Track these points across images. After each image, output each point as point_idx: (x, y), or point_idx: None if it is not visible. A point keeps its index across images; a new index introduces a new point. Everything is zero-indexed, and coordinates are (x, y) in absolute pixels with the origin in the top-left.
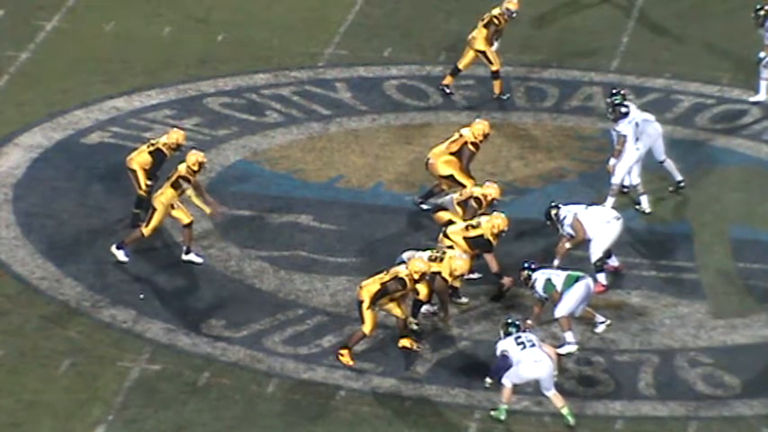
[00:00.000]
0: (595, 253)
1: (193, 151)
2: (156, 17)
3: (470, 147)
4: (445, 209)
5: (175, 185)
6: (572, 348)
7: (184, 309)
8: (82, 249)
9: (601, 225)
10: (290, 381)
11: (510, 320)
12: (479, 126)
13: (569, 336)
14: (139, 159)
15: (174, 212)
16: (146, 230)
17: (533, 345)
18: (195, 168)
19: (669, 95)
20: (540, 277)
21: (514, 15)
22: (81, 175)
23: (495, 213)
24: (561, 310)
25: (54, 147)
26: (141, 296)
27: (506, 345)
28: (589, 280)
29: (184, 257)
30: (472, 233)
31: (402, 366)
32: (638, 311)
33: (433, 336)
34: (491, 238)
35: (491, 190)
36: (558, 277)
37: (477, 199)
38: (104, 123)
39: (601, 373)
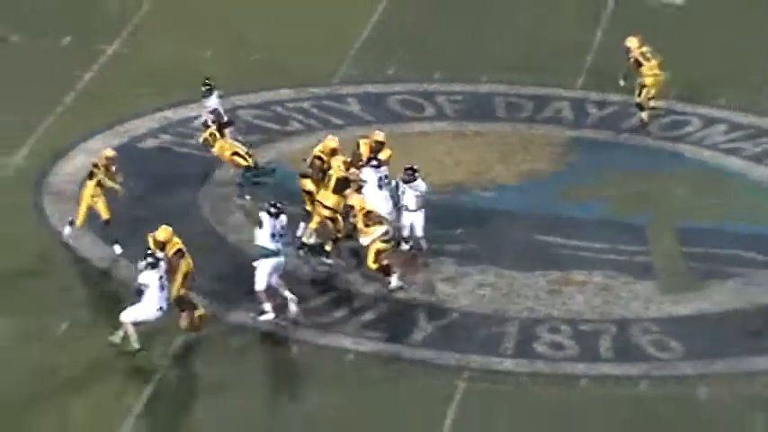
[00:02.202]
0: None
1: (107, 150)
2: (200, 42)
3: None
4: (307, 175)
5: (90, 176)
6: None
7: (223, 288)
8: (134, 236)
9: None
10: (308, 345)
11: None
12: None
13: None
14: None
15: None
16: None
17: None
18: (105, 162)
19: (626, 109)
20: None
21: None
22: (135, 175)
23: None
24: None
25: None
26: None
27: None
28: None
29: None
30: (332, 183)
31: (403, 334)
32: (600, 288)
33: (428, 308)
34: (339, 175)
35: (329, 142)
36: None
37: (318, 157)
38: (156, 131)
39: (568, 339)
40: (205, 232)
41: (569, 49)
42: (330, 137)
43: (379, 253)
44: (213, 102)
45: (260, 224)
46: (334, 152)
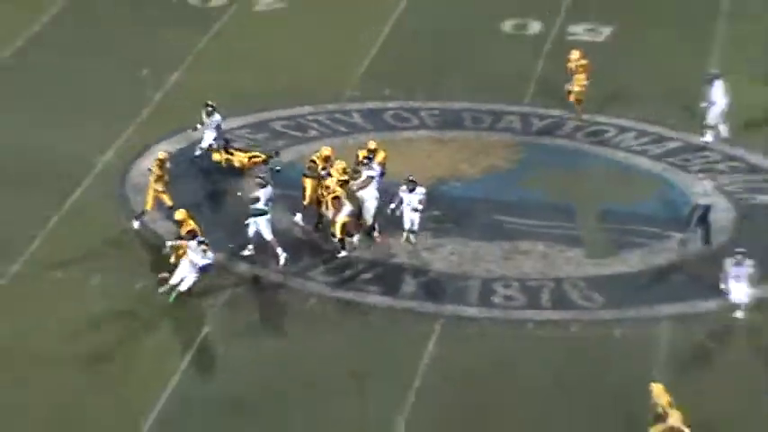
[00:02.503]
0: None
1: (161, 152)
2: (238, 67)
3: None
4: (307, 175)
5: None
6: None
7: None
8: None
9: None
10: (322, 297)
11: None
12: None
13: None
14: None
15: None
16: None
17: None
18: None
19: (561, 121)
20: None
21: None
22: (193, 171)
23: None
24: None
25: (177, 152)
26: (230, 245)
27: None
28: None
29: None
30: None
31: (394, 289)
32: (542, 254)
33: (413, 270)
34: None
35: (324, 150)
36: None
37: (312, 161)
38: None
39: (518, 293)
40: (228, 212)
41: (519, 75)
42: (325, 147)
43: (344, 225)
44: (216, 119)
45: (256, 198)
46: (327, 159)
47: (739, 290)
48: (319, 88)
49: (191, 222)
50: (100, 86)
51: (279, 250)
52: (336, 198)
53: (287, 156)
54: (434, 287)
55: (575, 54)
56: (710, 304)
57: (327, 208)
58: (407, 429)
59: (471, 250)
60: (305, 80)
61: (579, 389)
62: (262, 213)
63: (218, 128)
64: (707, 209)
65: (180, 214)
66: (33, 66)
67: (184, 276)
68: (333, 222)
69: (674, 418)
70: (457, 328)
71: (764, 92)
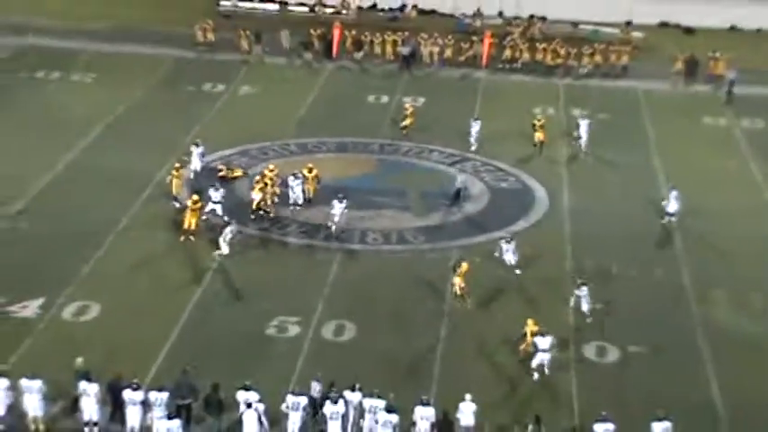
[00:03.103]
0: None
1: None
2: (231, 123)
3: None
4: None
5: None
6: None
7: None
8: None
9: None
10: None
11: None
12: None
13: None
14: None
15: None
16: None
17: None
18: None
19: (398, 147)
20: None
21: None
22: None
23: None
24: None
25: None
26: (227, 220)
27: None
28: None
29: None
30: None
31: (314, 236)
32: (391, 218)
33: (325, 227)
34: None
35: (268, 171)
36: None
37: (262, 174)
38: (216, 160)
39: (380, 236)
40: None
41: (377, 123)
42: (270, 165)
43: (258, 203)
44: (201, 150)
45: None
46: (272, 170)
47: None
48: (272, 132)
49: (196, 204)
50: (175, 105)
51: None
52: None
53: (257, 168)
54: (336, 235)
55: (408, 108)
56: (480, 238)
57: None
58: (322, 313)
59: (356, 214)
60: (264, 128)
61: (410, 282)
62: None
63: (202, 155)
64: (459, 190)
65: (189, 202)
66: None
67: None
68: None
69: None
70: (348, 257)
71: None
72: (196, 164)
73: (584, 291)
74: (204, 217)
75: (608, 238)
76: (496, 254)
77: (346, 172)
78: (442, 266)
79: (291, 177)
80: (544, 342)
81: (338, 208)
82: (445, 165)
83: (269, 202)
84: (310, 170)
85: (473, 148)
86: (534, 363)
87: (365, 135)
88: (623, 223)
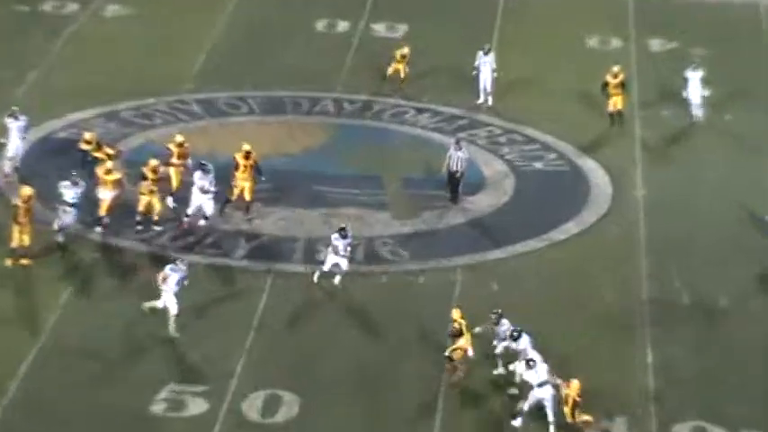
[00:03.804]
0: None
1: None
2: (89, 67)
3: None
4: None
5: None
6: None
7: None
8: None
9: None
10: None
11: None
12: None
13: None
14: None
15: None
16: None
17: None
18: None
19: (368, 104)
20: None
21: None
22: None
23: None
24: None
25: (38, 138)
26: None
27: None
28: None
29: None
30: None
31: (230, 251)
32: (355, 217)
33: (245, 234)
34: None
35: (177, 138)
36: None
37: (168, 148)
38: (67, 127)
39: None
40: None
41: (332, 66)
42: (178, 134)
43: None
44: (21, 124)
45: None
46: (181, 145)
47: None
48: (158, 81)
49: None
50: None
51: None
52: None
53: (135, 141)
54: (265, 249)
55: (404, 48)
56: (498, 253)
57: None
58: (242, 378)
59: (296, 216)
60: (145, 75)
61: (389, 326)
62: (73, 206)
63: (23, 131)
64: (455, 174)
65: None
66: None
67: None
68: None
69: (465, 340)
70: (285, 282)
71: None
72: (16, 146)
73: (505, 329)
74: (57, 227)
75: (709, 250)
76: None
77: (281, 147)
78: (435, 297)
79: (199, 174)
80: (534, 374)
81: (341, 246)
82: (442, 133)
83: (159, 203)
84: (247, 154)
85: (480, 101)
86: (525, 405)
87: (312, 86)
88: (730, 230)
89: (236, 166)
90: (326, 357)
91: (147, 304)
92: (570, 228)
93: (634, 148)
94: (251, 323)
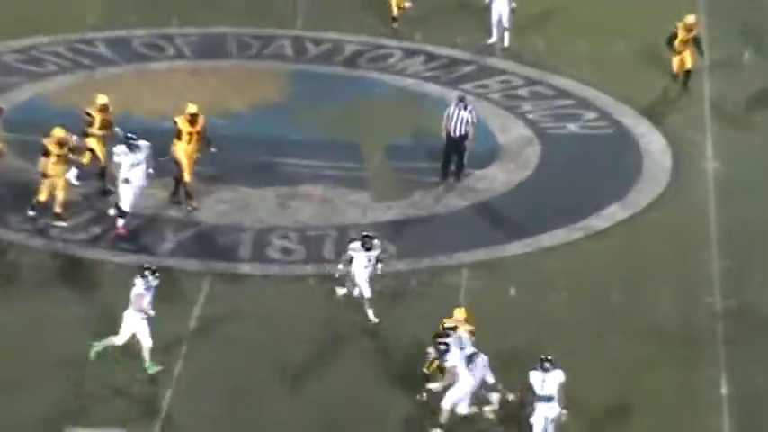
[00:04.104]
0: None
1: None
2: None
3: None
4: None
5: None
6: None
7: None
8: None
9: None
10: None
11: None
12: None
13: None
14: None
15: None
16: None
17: None
18: None
19: (339, 45)
20: None
21: None
22: None
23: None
24: None
25: None
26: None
27: None
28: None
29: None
30: None
31: (153, 246)
32: (322, 199)
33: (174, 223)
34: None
35: (100, 99)
36: None
37: (88, 113)
38: None
39: (296, 244)
40: None
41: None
42: (101, 95)
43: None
44: None
45: None
46: (103, 109)
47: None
48: (56, 16)
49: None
50: None
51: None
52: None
53: (21, 95)
54: (200, 242)
55: None
56: (516, 248)
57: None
58: (172, 403)
59: (241, 198)
60: (38, 7)
61: (368, 350)
62: None
63: None
64: (458, 139)
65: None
66: None
67: None
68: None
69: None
70: (227, 288)
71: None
72: None
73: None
74: None
75: None
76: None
77: (221, 103)
78: (432, 308)
79: (122, 148)
80: (540, 380)
81: (361, 260)
82: (440, 84)
83: (64, 190)
84: (192, 119)
85: (493, 40)
86: (535, 422)
87: (263, 21)
88: None
89: (178, 135)
90: (278, 394)
91: (99, 345)
92: (614, 213)
93: (703, 107)
94: (179, 345)
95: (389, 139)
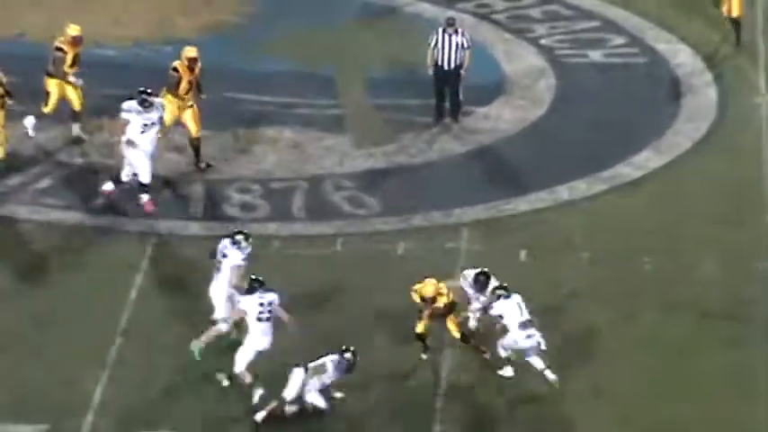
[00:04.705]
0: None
1: None
2: None
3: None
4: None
5: None
6: None
7: None
8: None
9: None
10: None
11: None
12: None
13: None
14: None
15: None
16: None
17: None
18: None
19: None
20: None
21: None
22: None
23: None
24: None
25: None
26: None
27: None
28: None
29: None
30: None
31: (84, 201)
32: (291, 144)
33: (109, 172)
34: None
35: (71, 30)
36: None
37: (58, 48)
38: None
39: (259, 199)
40: None
41: None
42: (73, 26)
43: None
44: None
45: None
46: (75, 42)
47: None
48: None
49: None
50: None
51: None
52: None
53: None
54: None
55: None
56: (527, 203)
57: None
58: (104, 396)
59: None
60: None
61: (347, 328)
62: None
63: None
64: (451, 72)
65: None
66: None
67: None
68: None
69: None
70: (175, 251)
71: None
72: None
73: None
74: None
75: None
76: None
77: (161, 25)
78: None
79: (132, 104)
80: (508, 308)
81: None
82: (435, 3)
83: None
84: (192, 62)
85: None
86: (501, 350)
87: None
88: None
89: (177, 83)
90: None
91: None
92: (647, 159)
93: (754, 32)
94: (116, 323)
95: (372, 71)
